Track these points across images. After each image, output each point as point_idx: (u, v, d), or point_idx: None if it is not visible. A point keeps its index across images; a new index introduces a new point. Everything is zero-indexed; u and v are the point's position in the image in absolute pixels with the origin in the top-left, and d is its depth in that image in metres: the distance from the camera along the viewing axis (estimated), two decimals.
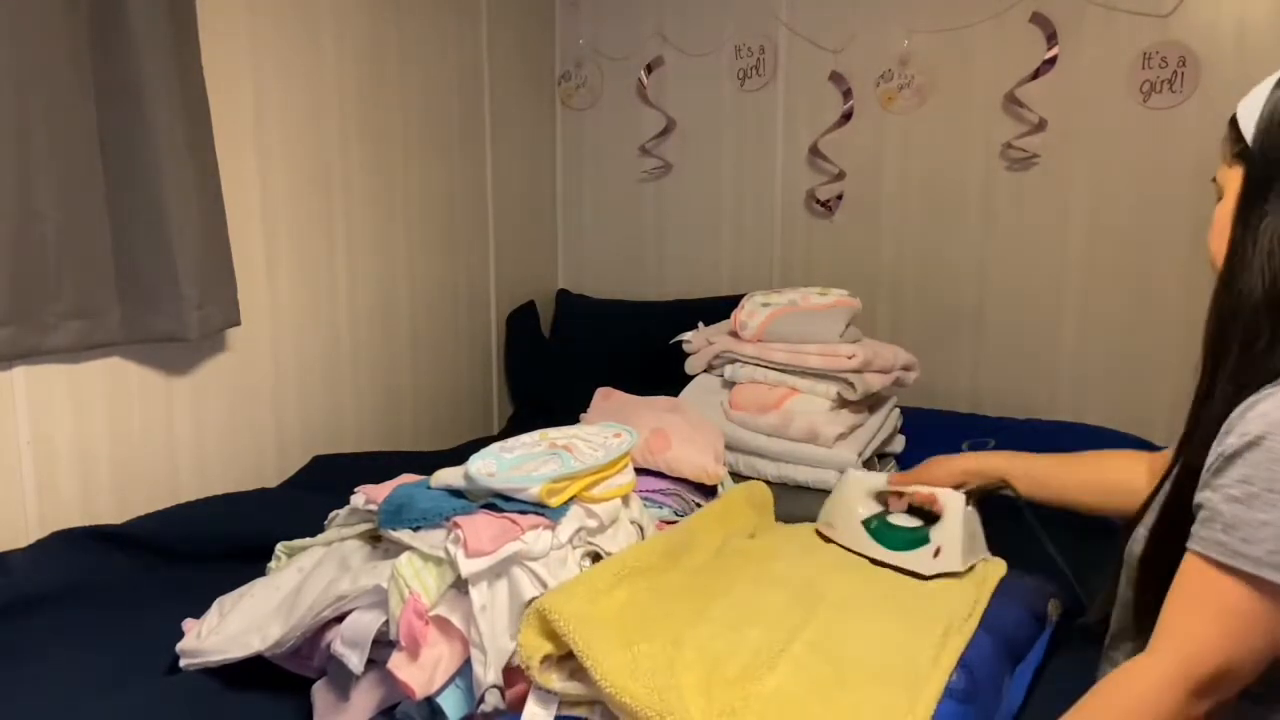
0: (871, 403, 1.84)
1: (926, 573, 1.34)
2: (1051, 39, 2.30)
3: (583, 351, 2.82)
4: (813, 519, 1.57)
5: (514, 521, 1.17)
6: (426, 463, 1.47)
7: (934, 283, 2.54)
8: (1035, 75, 2.32)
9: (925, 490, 1.42)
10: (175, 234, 1.73)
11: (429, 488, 1.27)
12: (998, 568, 1.36)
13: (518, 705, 1.09)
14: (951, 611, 1.22)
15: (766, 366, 1.82)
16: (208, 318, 1.81)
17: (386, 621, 1.14)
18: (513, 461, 1.25)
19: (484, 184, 2.71)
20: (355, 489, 1.36)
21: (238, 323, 1.91)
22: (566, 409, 1.87)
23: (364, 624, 1.15)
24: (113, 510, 1.79)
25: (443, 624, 1.14)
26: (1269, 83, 0.96)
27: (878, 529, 1.43)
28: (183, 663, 1.27)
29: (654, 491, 1.55)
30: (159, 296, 1.75)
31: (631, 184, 2.93)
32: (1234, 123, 0.99)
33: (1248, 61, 2.13)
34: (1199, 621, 0.85)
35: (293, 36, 2.08)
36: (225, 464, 2.01)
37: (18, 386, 1.64)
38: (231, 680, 1.24)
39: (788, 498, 1.66)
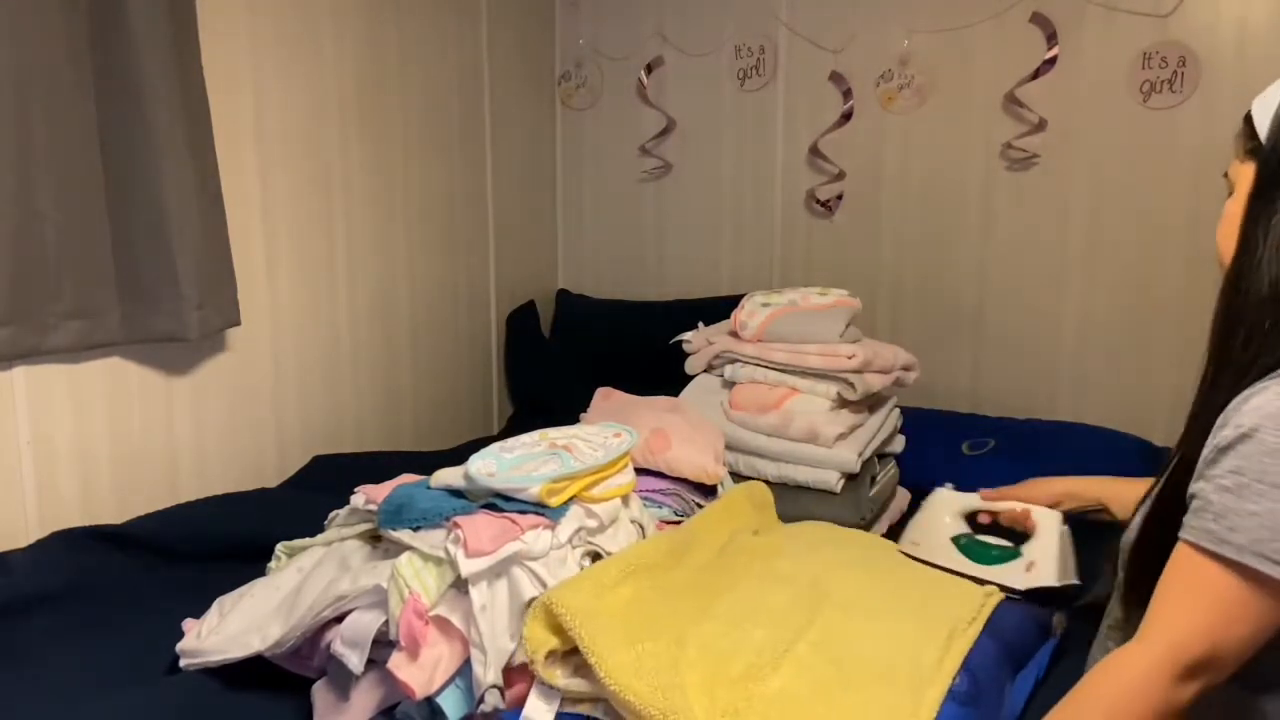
0: (871, 403, 1.84)
1: (1020, 587, 1.34)
2: (1051, 39, 2.30)
3: (583, 351, 2.82)
4: (813, 519, 1.57)
5: (514, 521, 1.18)
6: (426, 463, 1.47)
7: (934, 283, 2.54)
8: (1035, 75, 2.31)
9: (1020, 507, 1.41)
10: (175, 234, 1.73)
11: (429, 488, 1.27)
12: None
13: (517, 705, 1.09)
14: (956, 614, 1.22)
15: (766, 366, 1.82)
16: (208, 318, 1.81)
17: (386, 621, 1.14)
18: (513, 461, 1.25)
19: (484, 184, 2.71)
20: (355, 489, 1.36)
21: (238, 323, 1.91)
22: (566, 409, 1.87)
23: (364, 624, 1.15)
24: (113, 510, 1.79)
25: (443, 624, 1.14)
26: None
27: (967, 545, 1.43)
28: (183, 663, 1.27)
29: (654, 491, 1.55)
30: (159, 296, 1.75)
31: (631, 184, 2.93)
32: (1248, 119, 0.99)
33: (1248, 61, 2.13)
34: (1186, 608, 0.87)
35: (293, 36, 2.08)
36: (225, 464, 2.01)
37: (18, 386, 1.64)
38: (231, 680, 1.24)
39: (788, 498, 1.66)
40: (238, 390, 2.02)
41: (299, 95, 2.10)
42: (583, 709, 1.06)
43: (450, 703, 1.13)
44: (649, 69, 2.80)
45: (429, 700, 1.12)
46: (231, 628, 1.26)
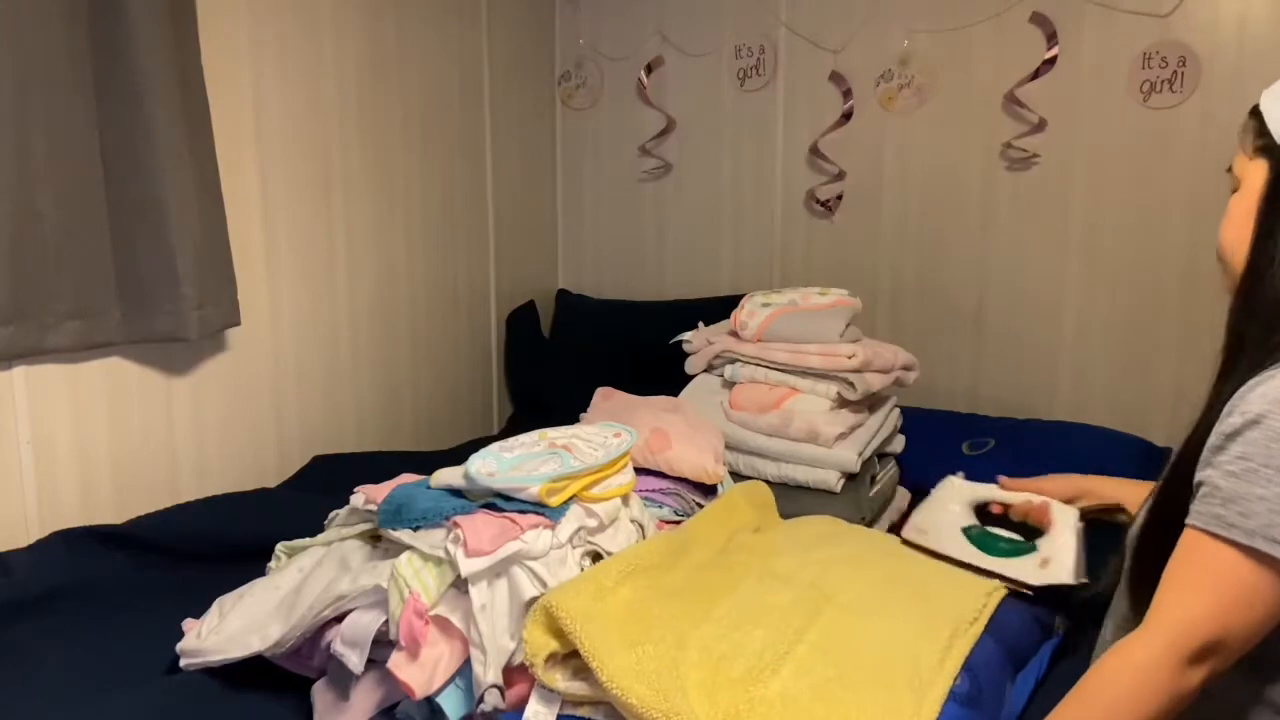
0: (871, 403, 1.84)
1: (1034, 583, 1.29)
2: (1051, 39, 2.30)
3: (583, 352, 2.82)
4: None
5: (514, 521, 1.18)
6: (426, 463, 1.47)
7: (934, 282, 2.54)
8: (1035, 75, 2.31)
9: (1038, 500, 1.35)
10: (175, 234, 1.73)
11: (429, 488, 1.27)
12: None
13: (517, 705, 1.09)
14: (958, 614, 1.22)
15: (767, 366, 1.82)
16: (208, 318, 1.81)
17: (386, 621, 1.14)
18: (513, 461, 1.25)
19: (484, 184, 2.71)
20: (355, 489, 1.36)
21: (238, 323, 1.91)
22: (566, 409, 1.87)
23: (364, 624, 1.15)
24: (113, 510, 1.79)
25: (443, 624, 1.14)
26: None
27: (978, 537, 1.37)
28: (183, 663, 1.27)
29: (654, 491, 1.55)
30: (159, 296, 1.75)
31: (631, 184, 2.93)
32: (1257, 114, 0.98)
33: (1248, 61, 2.13)
34: (1193, 592, 0.87)
35: (293, 36, 2.08)
36: (225, 464, 2.01)
37: (18, 386, 1.64)
38: (231, 680, 1.24)
39: (788, 498, 1.66)
40: (238, 390, 2.02)
41: (299, 95, 2.10)
42: (583, 712, 1.06)
43: (450, 703, 1.13)
44: (649, 69, 2.80)
45: (429, 700, 1.12)
46: (231, 628, 1.26)
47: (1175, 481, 0.96)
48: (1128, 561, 1.04)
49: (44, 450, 1.69)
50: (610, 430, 1.37)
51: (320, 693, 1.20)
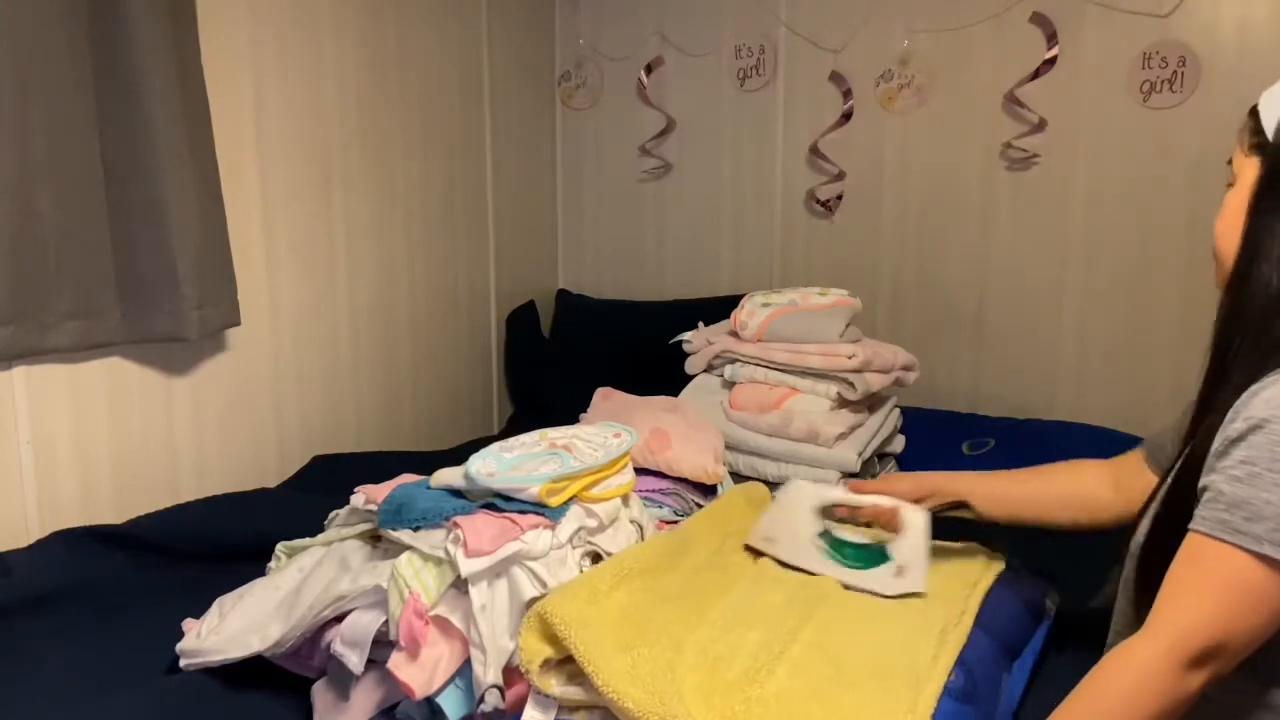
0: (871, 403, 1.84)
1: (889, 593, 1.26)
2: (1051, 39, 2.30)
3: (582, 351, 2.82)
4: None
5: (514, 521, 1.18)
6: (426, 463, 1.47)
7: (934, 283, 2.54)
8: (1035, 75, 2.31)
9: (887, 503, 1.31)
10: (175, 234, 1.73)
11: (429, 488, 1.27)
12: (995, 563, 1.36)
13: (518, 705, 1.09)
14: (948, 610, 1.22)
15: (767, 366, 1.82)
16: (208, 318, 1.81)
17: (386, 621, 1.14)
18: (513, 461, 1.25)
19: (484, 184, 2.71)
20: (355, 489, 1.36)
21: (238, 323, 1.91)
22: (566, 409, 1.87)
23: (364, 624, 1.15)
24: (113, 510, 1.79)
25: (443, 624, 1.14)
26: None
27: (832, 545, 1.32)
28: (183, 663, 1.27)
29: (654, 491, 1.55)
30: (159, 296, 1.75)
31: (631, 184, 2.93)
32: (1254, 113, 0.99)
33: (1248, 61, 2.13)
34: (1195, 596, 0.87)
35: (293, 36, 2.08)
36: (225, 464, 2.01)
37: (18, 386, 1.64)
38: (231, 680, 1.24)
39: None
40: (238, 390, 2.02)
41: (299, 95, 2.10)
42: (579, 717, 1.05)
43: (450, 703, 1.13)
44: (649, 69, 2.80)
45: (429, 700, 1.12)
46: (231, 628, 1.26)
47: (1178, 488, 0.96)
48: (1131, 569, 1.03)
49: (44, 450, 1.69)
50: (610, 430, 1.37)
51: (320, 693, 1.20)
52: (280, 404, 2.13)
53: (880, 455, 1.86)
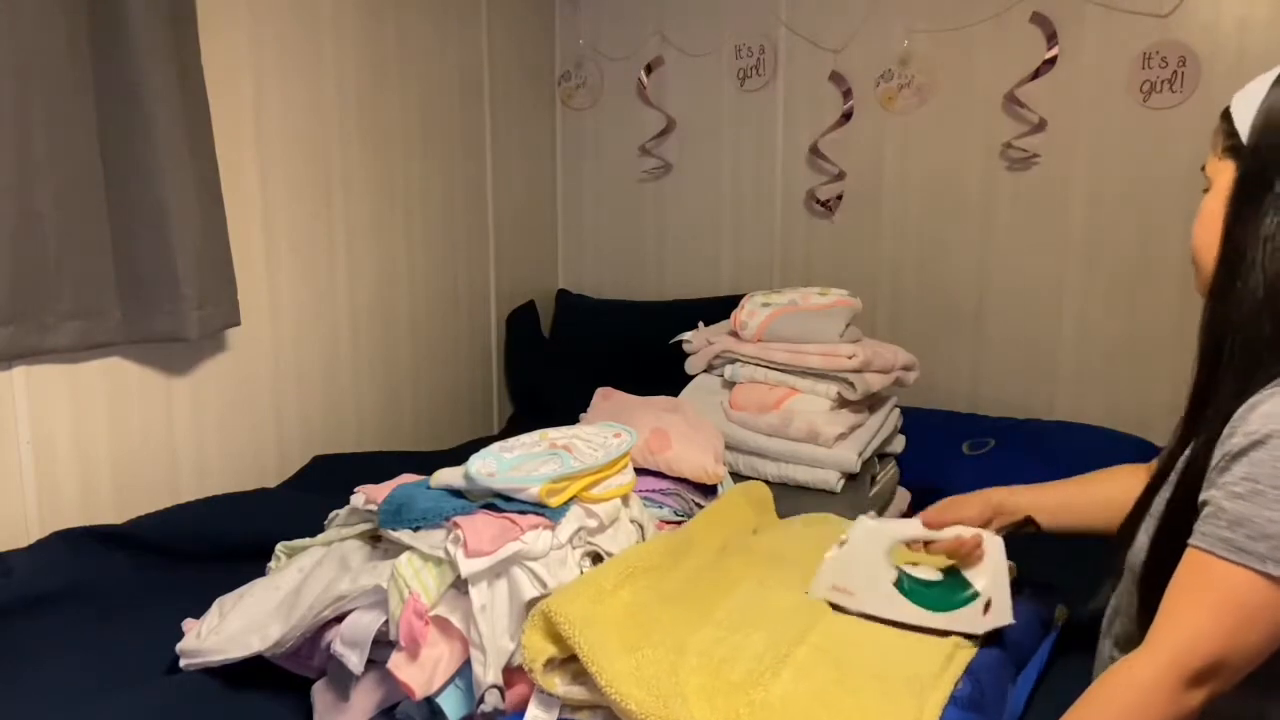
0: (871, 403, 1.84)
1: (979, 632, 1.18)
2: (1051, 39, 2.30)
3: (583, 352, 2.82)
4: None
5: (514, 521, 1.18)
6: (426, 463, 1.47)
7: (934, 282, 2.54)
8: (1035, 75, 2.31)
9: (970, 533, 1.20)
10: (175, 234, 1.73)
11: (429, 488, 1.27)
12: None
13: (518, 705, 1.09)
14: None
15: (767, 366, 1.82)
16: (208, 318, 1.81)
17: (386, 621, 1.14)
18: (513, 461, 1.25)
19: (484, 184, 2.71)
20: (355, 489, 1.36)
21: (238, 323, 1.91)
22: (566, 409, 1.87)
23: (364, 624, 1.15)
24: (113, 510, 1.79)
25: (443, 624, 1.14)
26: (1267, 78, 0.95)
27: (912, 590, 1.21)
28: (183, 663, 1.27)
29: (654, 491, 1.55)
30: (159, 296, 1.75)
31: (631, 184, 2.93)
32: (1227, 116, 0.98)
33: (1248, 61, 2.12)
34: (1195, 613, 0.86)
35: (293, 36, 2.08)
36: (225, 464, 2.01)
37: (18, 386, 1.64)
38: (231, 680, 1.24)
39: (788, 498, 1.66)
40: (238, 390, 2.02)
41: (299, 95, 2.10)
42: (582, 716, 1.05)
43: (450, 703, 1.13)
44: (649, 69, 2.80)
45: (429, 700, 1.12)
46: (231, 628, 1.26)
47: (1177, 504, 0.94)
48: (1132, 582, 1.01)
49: (44, 450, 1.69)
50: (610, 430, 1.37)
51: (320, 693, 1.20)
52: (280, 404, 2.13)
53: (880, 455, 1.85)
